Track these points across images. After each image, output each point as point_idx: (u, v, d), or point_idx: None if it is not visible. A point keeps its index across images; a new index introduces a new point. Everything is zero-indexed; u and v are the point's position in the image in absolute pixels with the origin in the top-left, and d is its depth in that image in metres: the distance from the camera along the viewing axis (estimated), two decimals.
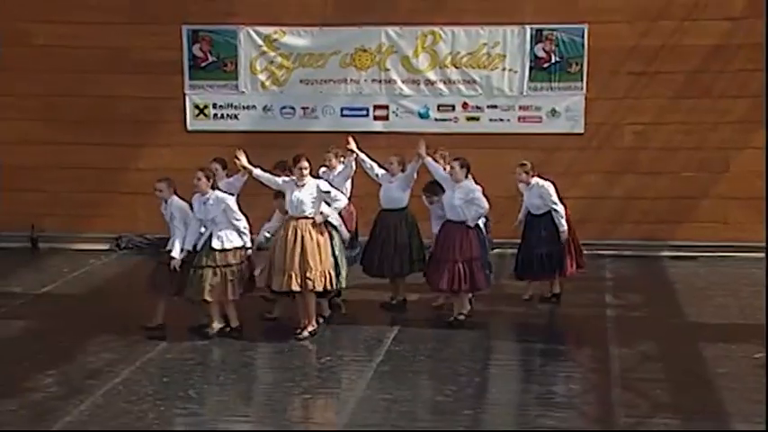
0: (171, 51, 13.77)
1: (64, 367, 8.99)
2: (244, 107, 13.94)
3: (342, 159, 10.72)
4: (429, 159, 10.42)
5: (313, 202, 9.71)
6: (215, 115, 13.98)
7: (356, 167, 10.67)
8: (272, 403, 8.23)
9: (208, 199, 9.65)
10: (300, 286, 9.56)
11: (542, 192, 10.77)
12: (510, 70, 13.57)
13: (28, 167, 13.88)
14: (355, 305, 10.65)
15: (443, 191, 10.22)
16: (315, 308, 9.82)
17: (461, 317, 10.27)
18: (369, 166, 10.74)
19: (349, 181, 10.72)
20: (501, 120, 13.66)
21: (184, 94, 13.94)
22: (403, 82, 13.71)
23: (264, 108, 13.92)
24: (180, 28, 13.77)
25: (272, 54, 13.78)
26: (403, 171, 10.60)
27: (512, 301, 11.23)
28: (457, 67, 13.63)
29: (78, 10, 13.74)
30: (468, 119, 13.72)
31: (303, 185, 9.70)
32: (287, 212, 9.82)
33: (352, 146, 10.56)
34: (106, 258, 13.31)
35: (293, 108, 13.90)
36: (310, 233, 9.64)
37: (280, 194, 9.96)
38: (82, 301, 11.24)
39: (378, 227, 10.69)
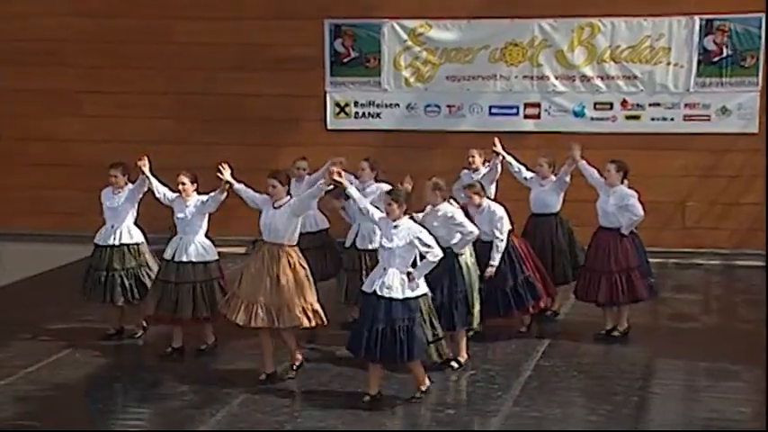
0: (312, 47, 14.09)
1: (200, 375, 9.29)
2: (386, 105, 14.12)
3: (487, 161, 10.76)
4: (583, 163, 10.35)
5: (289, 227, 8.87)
6: (356, 114, 14.21)
7: (502, 170, 10.70)
8: (413, 417, 8.32)
9: (187, 204, 9.64)
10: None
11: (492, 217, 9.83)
12: (675, 65, 13.35)
13: (163, 168, 14.36)
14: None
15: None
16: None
17: (616, 333, 10.20)
18: (516, 169, 10.75)
19: (494, 184, 10.76)
20: (664, 119, 13.45)
21: (325, 92, 14.23)
22: (557, 78, 13.65)
23: (408, 106, 14.06)
24: (322, 22, 14.08)
25: (418, 49, 13.92)
26: (554, 173, 10.58)
27: (674, 316, 11.05)
28: (616, 62, 13.49)
29: (220, 5, 14.23)
30: (628, 117, 13.56)
31: (279, 206, 8.88)
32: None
33: (498, 147, 10.59)
34: (242, 262, 13.62)
35: (438, 106, 14.00)
36: (288, 261, 8.86)
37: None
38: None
39: (530, 233, 10.67)
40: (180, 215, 9.65)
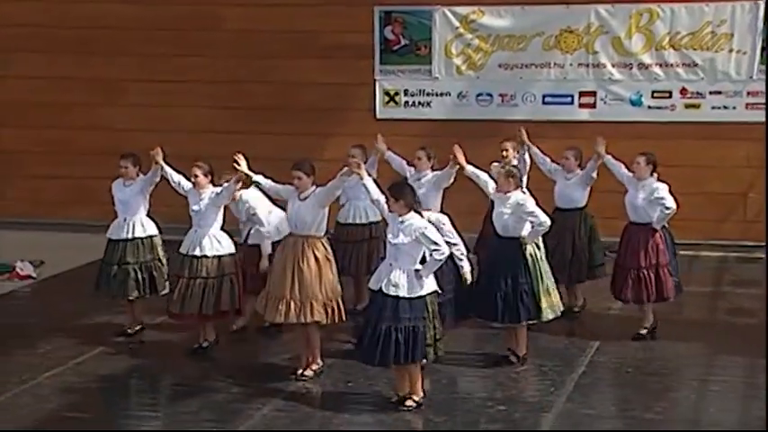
0: (361, 34, 14.11)
1: (246, 368, 9.41)
2: (437, 94, 14.14)
3: (516, 153, 10.75)
4: (609, 158, 10.24)
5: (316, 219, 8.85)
6: (406, 103, 14.24)
7: (530, 162, 10.69)
8: (466, 413, 8.36)
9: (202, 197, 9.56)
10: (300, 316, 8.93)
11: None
12: (738, 51, 13.24)
13: (212, 157, 14.49)
14: None
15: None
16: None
17: (644, 331, 10.11)
18: (541, 160, 10.74)
19: (525, 178, 10.76)
20: (725, 107, 13.34)
21: (374, 80, 14.26)
22: (613, 66, 13.58)
23: (459, 95, 14.07)
24: (371, 9, 14.11)
25: (469, 36, 13.91)
26: (580, 166, 10.53)
27: (733, 311, 10.98)
28: (676, 49, 13.39)
29: None
30: (688, 106, 13.46)
31: (305, 198, 8.89)
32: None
33: (524, 137, 10.57)
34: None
35: (490, 95, 13.99)
36: (314, 253, 8.84)
37: None
38: None
39: (553, 228, 10.61)
40: (195, 207, 9.60)
